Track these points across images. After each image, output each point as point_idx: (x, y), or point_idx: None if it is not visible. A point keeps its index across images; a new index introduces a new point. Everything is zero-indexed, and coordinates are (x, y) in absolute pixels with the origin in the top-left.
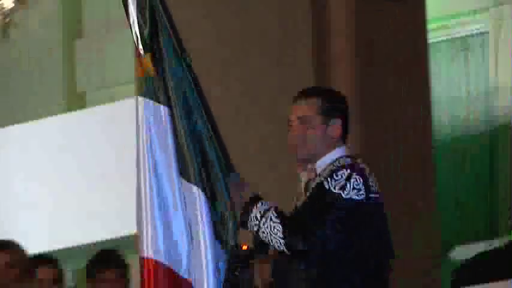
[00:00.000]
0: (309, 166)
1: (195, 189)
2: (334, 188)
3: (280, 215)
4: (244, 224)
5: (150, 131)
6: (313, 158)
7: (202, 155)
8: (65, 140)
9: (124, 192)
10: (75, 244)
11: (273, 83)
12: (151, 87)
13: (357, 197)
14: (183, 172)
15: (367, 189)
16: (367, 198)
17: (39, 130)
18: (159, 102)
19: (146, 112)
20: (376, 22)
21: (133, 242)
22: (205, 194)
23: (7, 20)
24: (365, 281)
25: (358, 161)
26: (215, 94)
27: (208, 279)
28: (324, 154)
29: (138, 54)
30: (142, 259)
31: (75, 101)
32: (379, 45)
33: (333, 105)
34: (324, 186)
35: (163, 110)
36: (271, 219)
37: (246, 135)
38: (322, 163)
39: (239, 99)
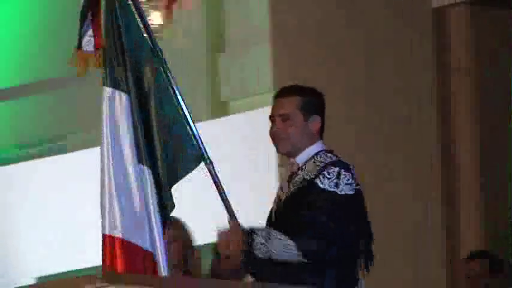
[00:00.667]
0: (291, 160)
1: (147, 171)
2: (330, 187)
3: (282, 231)
4: (249, 258)
5: (110, 118)
6: (295, 153)
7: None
8: (209, 143)
9: (261, 195)
10: None
11: (394, 86)
12: (110, 75)
13: (350, 192)
14: (138, 157)
15: (355, 182)
16: (357, 190)
17: None
18: (116, 89)
19: (106, 100)
20: (495, 31)
21: None
22: (154, 177)
23: (156, 35)
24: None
25: (338, 155)
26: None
27: (162, 254)
28: (304, 148)
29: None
30: (103, 236)
31: (219, 109)
32: (498, 54)
33: (312, 102)
34: (316, 184)
35: (119, 96)
36: (277, 238)
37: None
38: (304, 156)
39: (355, 98)
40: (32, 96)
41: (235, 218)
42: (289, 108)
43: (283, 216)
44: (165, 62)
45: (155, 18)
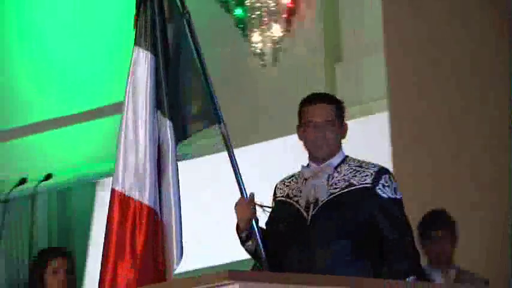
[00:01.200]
0: (320, 165)
1: (168, 123)
2: (392, 194)
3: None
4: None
5: (133, 74)
6: (329, 157)
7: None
8: None
9: None
10: None
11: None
12: (140, 35)
13: (400, 195)
14: (160, 107)
15: None
16: None
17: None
18: (145, 48)
19: (133, 58)
20: None
21: None
22: (175, 129)
23: (277, 46)
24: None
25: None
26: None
27: (176, 212)
28: (336, 153)
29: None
30: (112, 190)
31: None
32: None
33: (343, 111)
34: (378, 194)
35: (145, 55)
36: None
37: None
38: (337, 160)
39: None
40: None
41: (244, 191)
42: (331, 115)
43: (330, 216)
44: (191, 23)
45: (275, 30)
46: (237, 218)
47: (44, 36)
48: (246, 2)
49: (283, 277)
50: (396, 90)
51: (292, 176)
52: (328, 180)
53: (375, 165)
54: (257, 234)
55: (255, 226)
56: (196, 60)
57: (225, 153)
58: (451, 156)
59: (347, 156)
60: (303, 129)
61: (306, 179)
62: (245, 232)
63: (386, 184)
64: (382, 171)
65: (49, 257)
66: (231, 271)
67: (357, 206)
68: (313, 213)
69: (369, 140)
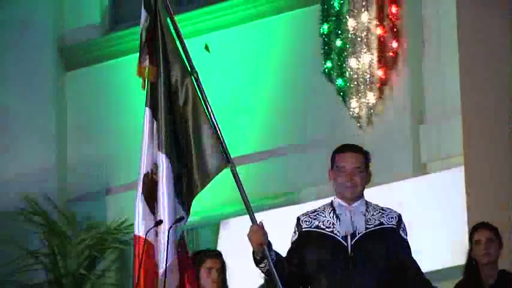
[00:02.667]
0: (350, 204)
1: (163, 157)
2: (406, 236)
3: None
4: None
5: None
6: (356, 198)
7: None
8: (415, 199)
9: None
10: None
11: None
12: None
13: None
14: (160, 146)
15: None
16: None
17: (392, 191)
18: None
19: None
20: None
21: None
22: (170, 160)
23: (371, 111)
24: None
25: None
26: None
27: (165, 239)
28: (361, 195)
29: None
30: (135, 236)
31: (419, 169)
32: None
33: (369, 160)
34: (401, 236)
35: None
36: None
37: None
38: (362, 202)
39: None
40: (273, 158)
41: (255, 221)
42: (362, 162)
43: (369, 244)
44: (198, 80)
45: (370, 97)
46: (251, 243)
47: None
48: (346, 73)
49: None
50: (475, 149)
51: (315, 211)
52: (364, 216)
53: (393, 211)
54: (269, 256)
55: (266, 250)
56: (206, 113)
57: None
58: None
59: (366, 200)
60: (334, 172)
61: (336, 215)
62: (259, 255)
63: (405, 228)
64: (401, 217)
65: (205, 256)
66: None
67: (388, 241)
68: (352, 243)
69: (451, 189)
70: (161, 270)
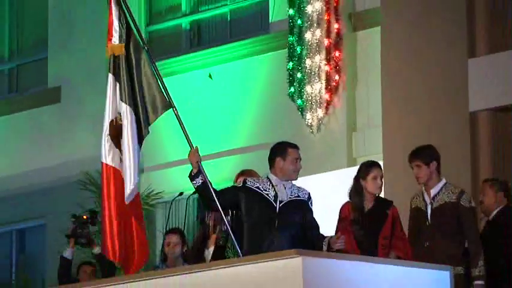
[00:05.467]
0: (282, 181)
1: (126, 108)
2: (312, 207)
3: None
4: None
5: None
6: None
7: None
8: (347, 183)
9: None
10: None
11: None
12: (115, 64)
13: None
14: (124, 99)
15: None
16: None
17: (332, 178)
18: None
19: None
20: None
21: None
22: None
23: (320, 122)
24: None
25: None
26: None
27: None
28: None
29: (110, 40)
30: (103, 164)
31: (351, 163)
32: None
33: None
34: (309, 205)
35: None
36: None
37: None
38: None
39: None
40: (253, 152)
41: (192, 145)
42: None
43: (290, 208)
44: (150, 55)
45: (319, 113)
46: (190, 161)
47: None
48: (303, 96)
49: (339, 254)
50: (388, 149)
51: (258, 180)
52: (290, 189)
53: (306, 190)
54: (203, 170)
55: (201, 166)
56: (154, 72)
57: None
58: None
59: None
60: (286, 161)
61: (273, 186)
62: (195, 171)
63: (312, 202)
64: (310, 194)
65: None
66: (297, 249)
67: (301, 207)
68: (280, 205)
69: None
70: (127, 191)
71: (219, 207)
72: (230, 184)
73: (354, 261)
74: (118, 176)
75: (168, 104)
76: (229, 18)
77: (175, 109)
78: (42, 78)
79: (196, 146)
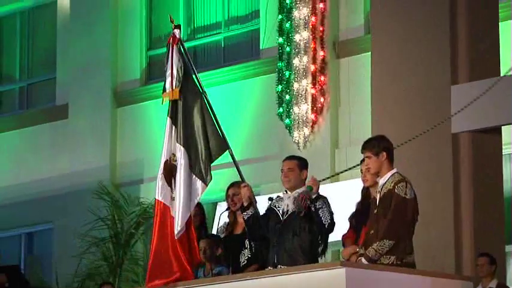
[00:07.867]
0: (287, 192)
1: (181, 148)
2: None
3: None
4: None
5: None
6: (290, 188)
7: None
8: (330, 195)
9: None
10: None
11: None
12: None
13: None
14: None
15: None
16: None
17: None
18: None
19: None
20: None
21: None
22: (186, 151)
23: (306, 139)
24: None
25: None
26: None
27: (179, 210)
28: (296, 187)
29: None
30: (156, 200)
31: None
32: None
33: (304, 164)
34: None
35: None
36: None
37: None
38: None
39: None
40: (246, 165)
41: (244, 179)
42: (295, 165)
43: (292, 219)
44: (207, 98)
45: (306, 131)
46: (243, 195)
47: None
48: (291, 116)
49: (380, 266)
50: None
51: (277, 196)
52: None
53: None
54: (254, 201)
55: (254, 199)
56: (212, 116)
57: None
58: None
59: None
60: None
61: (281, 199)
62: (246, 204)
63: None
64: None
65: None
66: (341, 261)
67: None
68: (285, 218)
69: (353, 191)
70: (177, 227)
71: (264, 237)
72: (222, 195)
73: (395, 273)
74: (167, 212)
75: (224, 147)
76: (223, 45)
77: (231, 150)
78: (51, 96)
79: (248, 183)
